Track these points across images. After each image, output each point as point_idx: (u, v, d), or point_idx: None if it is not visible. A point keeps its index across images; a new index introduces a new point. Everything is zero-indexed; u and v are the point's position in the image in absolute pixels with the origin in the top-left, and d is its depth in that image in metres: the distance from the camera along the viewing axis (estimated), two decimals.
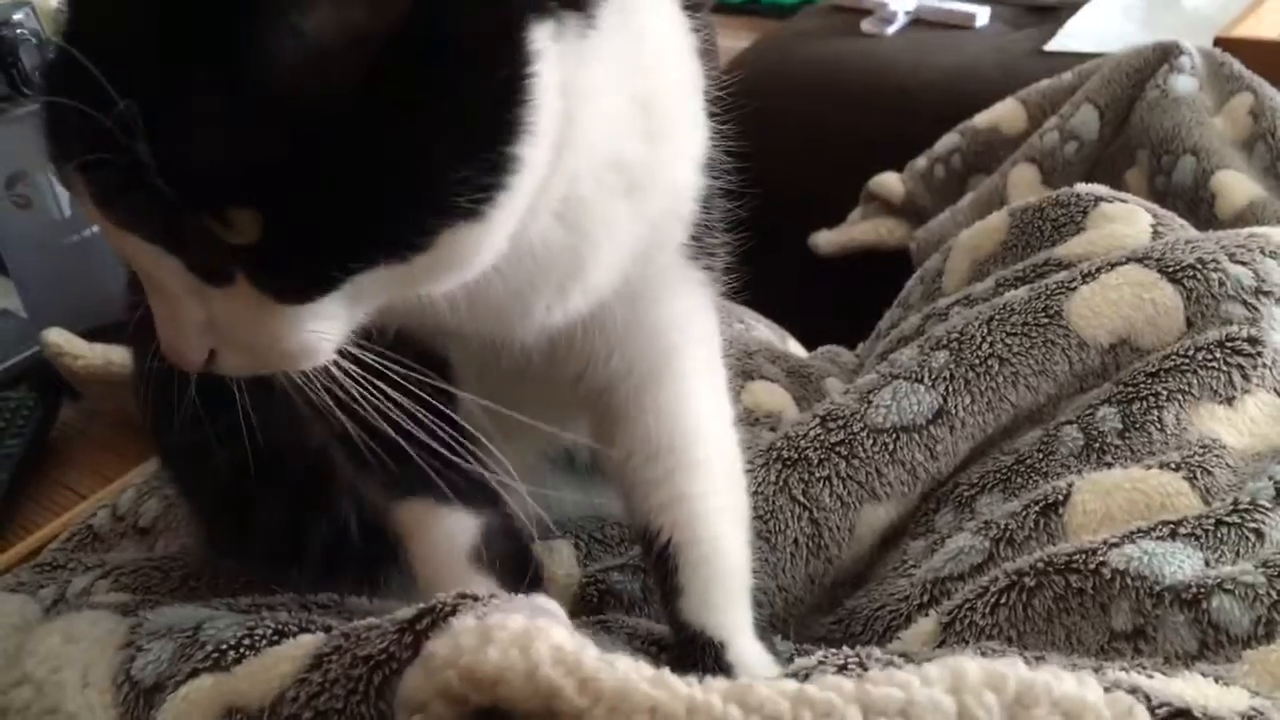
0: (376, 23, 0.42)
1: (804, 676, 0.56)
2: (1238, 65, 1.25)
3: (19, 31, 1.13)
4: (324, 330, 0.49)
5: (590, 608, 0.80)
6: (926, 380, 0.83)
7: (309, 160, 0.43)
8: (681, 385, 0.67)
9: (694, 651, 0.65)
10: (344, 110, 0.43)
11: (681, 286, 0.66)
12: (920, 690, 0.44)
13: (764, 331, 1.22)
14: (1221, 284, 0.81)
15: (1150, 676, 0.56)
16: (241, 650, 0.63)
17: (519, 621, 0.48)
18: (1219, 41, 1.37)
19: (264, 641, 0.64)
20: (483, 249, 0.49)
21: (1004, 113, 1.43)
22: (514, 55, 0.46)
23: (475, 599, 0.54)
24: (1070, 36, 1.68)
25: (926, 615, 0.71)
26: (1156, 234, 0.91)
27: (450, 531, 0.64)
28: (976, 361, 0.82)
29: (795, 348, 1.23)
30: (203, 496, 0.83)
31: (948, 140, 1.46)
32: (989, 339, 0.83)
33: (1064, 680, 0.45)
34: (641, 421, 0.67)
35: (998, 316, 0.84)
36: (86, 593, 0.86)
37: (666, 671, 0.46)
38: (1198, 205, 1.12)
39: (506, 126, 0.46)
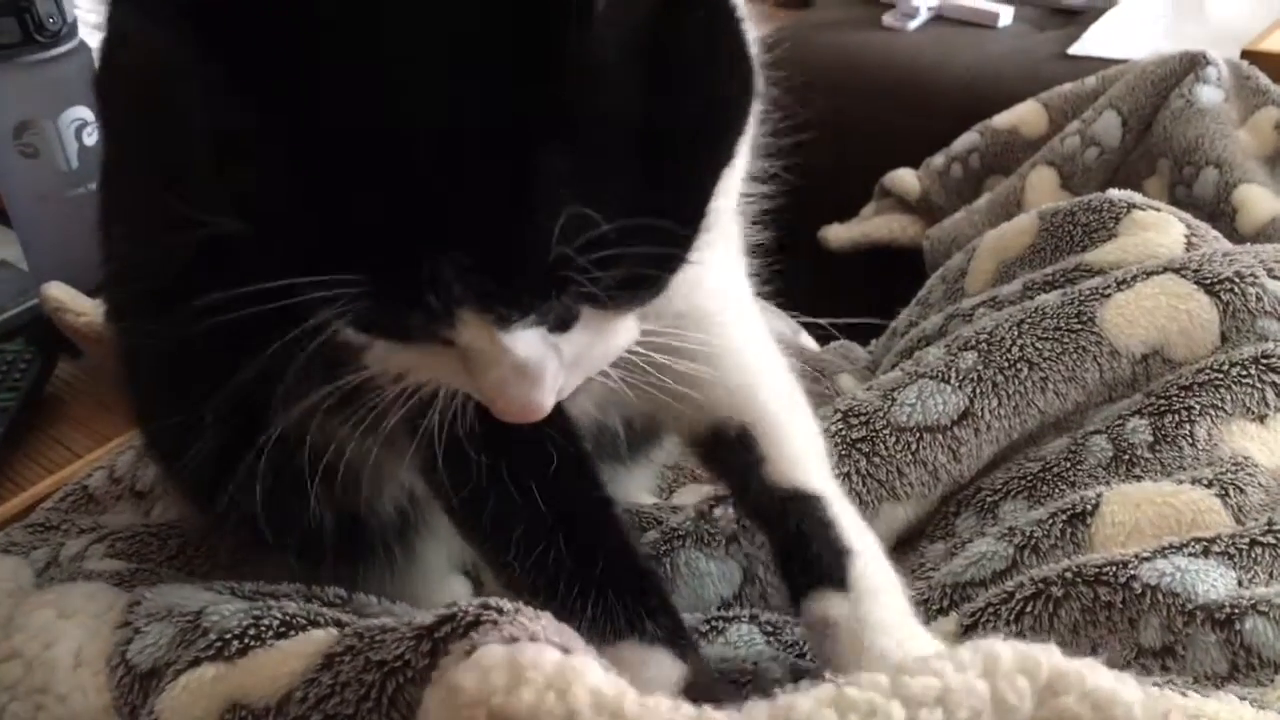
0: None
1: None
2: (1264, 79, 1.24)
3: None
4: None
5: None
6: (953, 381, 0.81)
7: (647, 177, 0.44)
8: (727, 313, 0.66)
9: (794, 513, 0.63)
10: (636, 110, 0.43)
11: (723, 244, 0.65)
12: (955, 677, 0.44)
13: (777, 324, 1.20)
14: (1259, 299, 0.80)
15: (1184, 694, 0.55)
16: (246, 640, 0.61)
17: (552, 658, 0.47)
18: (1246, 54, 1.36)
19: (270, 633, 0.62)
20: None
21: (1025, 114, 1.41)
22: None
23: (499, 610, 0.51)
24: (1094, 41, 1.67)
25: (947, 618, 0.70)
26: (1190, 245, 0.90)
27: (658, 671, 0.60)
28: (1005, 364, 0.81)
29: (807, 341, 1.21)
30: (185, 481, 0.81)
31: (966, 139, 1.45)
32: (1019, 342, 0.82)
33: (1099, 673, 0.45)
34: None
35: (1029, 320, 0.83)
36: (80, 557, 0.84)
37: (708, 710, 0.46)
38: (1218, 218, 1.11)
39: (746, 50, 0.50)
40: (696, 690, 0.58)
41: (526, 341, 0.45)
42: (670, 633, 0.60)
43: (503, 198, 0.41)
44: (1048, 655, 0.45)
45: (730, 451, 0.66)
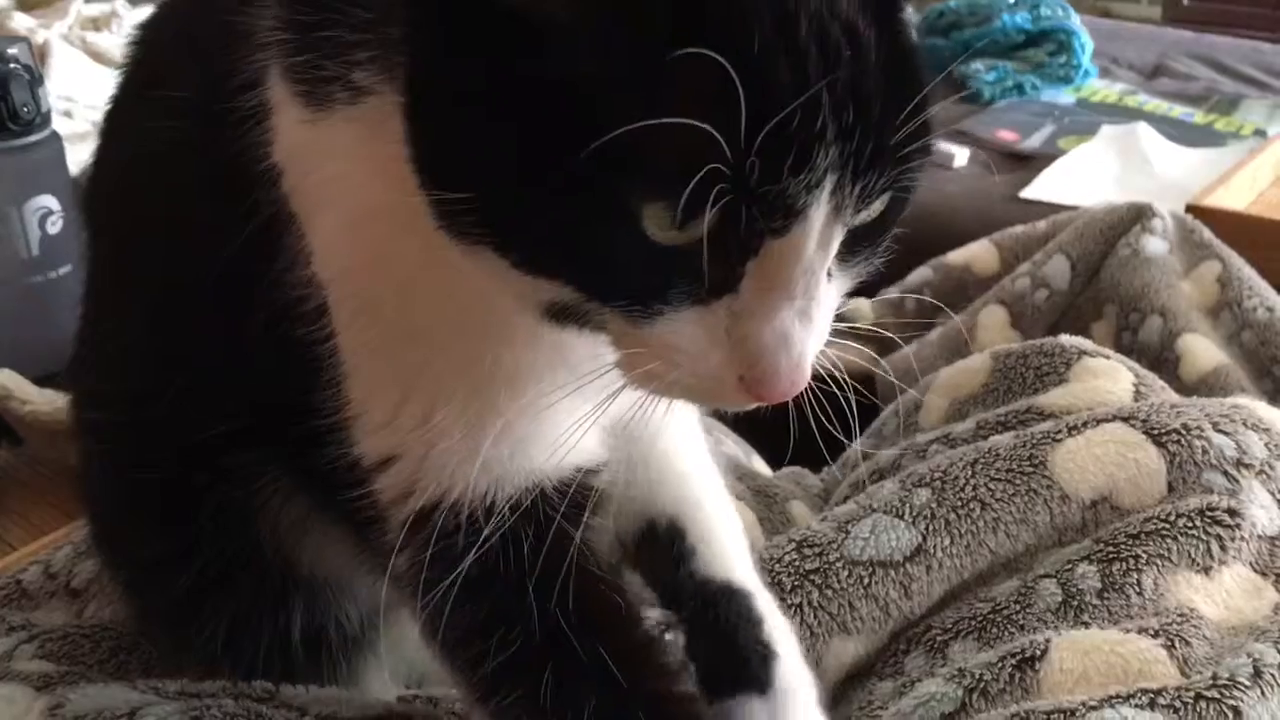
0: None
1: None
2: (1208, 233, 1.28)
3: (12, 66, 1.10)
4: None
5: None
6: (907, 517, 0.82)
7: None
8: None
9: (724, 607, 0.66)
10: None
11: None
12: None
13: (731, 446, 1.20)
14: (1205, 452, 0.81)
15: None
16: None
17: None
18: (1190, 209, 1.41)
19: None
20: None
21: (977, 253, 1.44)
22: None
23: None
24: (1045, 186, 1.73)
25: None
26: (1139, 394, 0.92)
27: None
28: (959, 504, 0.82)
29: (760, 465, 1.22)
30: (141, 584, 0.79)
31: (920, 274, 1.47)
32: (972, 481, 0.83)
33: None
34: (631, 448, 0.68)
35: (982, 460, 0.84)
36: (9, 657, 0.82)
37: None
38: (1162, 365, 1.14)
39: None
40: None
41: (825, 261, 0.46)
42: None
43: (892, 66, 0.44)
44: None
45: (658, 545, 0.69)
